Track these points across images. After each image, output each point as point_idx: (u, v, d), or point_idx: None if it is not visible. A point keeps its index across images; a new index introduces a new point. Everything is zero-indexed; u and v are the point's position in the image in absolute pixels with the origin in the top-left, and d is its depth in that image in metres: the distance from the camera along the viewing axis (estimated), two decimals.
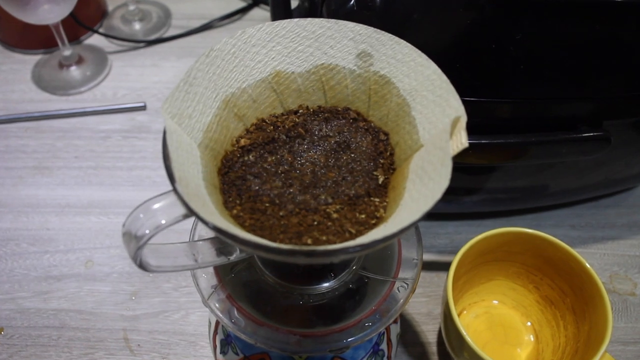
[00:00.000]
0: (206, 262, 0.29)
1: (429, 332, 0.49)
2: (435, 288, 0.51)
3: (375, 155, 0.29)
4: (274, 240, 0.25)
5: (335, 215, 0.26)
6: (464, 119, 0.25)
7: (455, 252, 0.42)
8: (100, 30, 0.75)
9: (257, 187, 0.28)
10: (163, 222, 0.24)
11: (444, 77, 0.27)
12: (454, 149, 0.24)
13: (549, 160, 0.45)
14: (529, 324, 0.47)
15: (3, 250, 0.53)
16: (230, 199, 0.27)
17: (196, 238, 0.34)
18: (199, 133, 0.27)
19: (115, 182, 0.59)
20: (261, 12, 0.80)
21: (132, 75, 0.70)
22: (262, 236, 0.25)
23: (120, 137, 0.63)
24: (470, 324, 0.48)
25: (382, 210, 0.27)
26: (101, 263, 0.53)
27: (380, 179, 0.28)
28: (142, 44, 0.74)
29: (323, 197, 0.27)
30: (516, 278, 0.48)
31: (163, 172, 0.60)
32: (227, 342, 0.40)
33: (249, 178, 0.28)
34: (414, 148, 0.28)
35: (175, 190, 0.23)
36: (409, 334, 0.48)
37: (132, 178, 0.60)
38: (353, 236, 0.25)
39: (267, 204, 0.27)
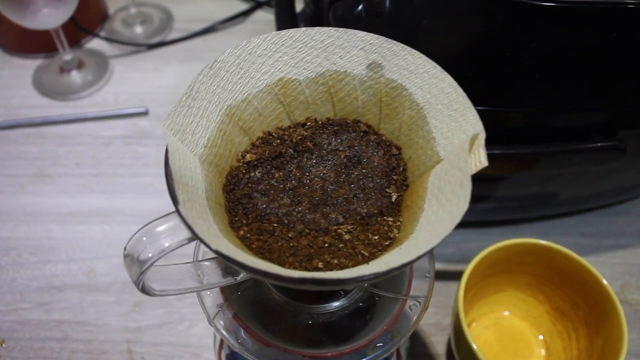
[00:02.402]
0: (212, 284, 0.28)
1: (438, 343, 0.48)
2: (444, 298, 0.50)
3: (388, 171, 0.28)
4: (283, 264, 0.24)
5: (347, 237, 0.25)
6: (482, 136, 0.24)
7: (463, 261, 0.41)
8: (101, 34, 0.74)
9: (264, 206, 0.27)
10: (167, 245, 0.23)
11: (460, 91, 0.26)
12: (472, 168, 0.23)
13: (562, 171, 0.44)
14: (540, 336, 0.46)
15: (4, 260, 0.52)
16: (237, 219, 0.26)
17: (201, 255, 0.33)
18: (203, 149, 0.26)
19: (117, 189, 0.58)
20: (264, 15, 0.78)
21: (133, 80, 0.69)
22: (270, 259, 0.24)
23: (122, 143, 0.62)
24: (480, 336, 0.47)
25: (395, 231, 0.26)
26: (104, 273, 0.52)
27: (394, 197, 0.27)
28: (143, 48, 0.73)
29: (334, 215, 0.26)
30: (526, 289, 0.47)
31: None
32: (233, 357, 0.39)
33: (256, 196, 0.27)
34: (428, 164, 0.27)
35: (178, 212, 0.22)
36: (418, 346, 0.47)
37: (134, 185, 0.59)
38: (366, 259, 0.24)
39: (275, 224, 0.26)
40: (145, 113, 0.65)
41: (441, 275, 0.52)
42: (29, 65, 0.70)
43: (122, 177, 0.59)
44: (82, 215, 0.56)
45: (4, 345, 0.47)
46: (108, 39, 0.73)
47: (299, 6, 0.55)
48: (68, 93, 0.67)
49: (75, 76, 0.68)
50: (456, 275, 0.51)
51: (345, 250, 0.25)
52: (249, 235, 0.25)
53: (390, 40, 0.28)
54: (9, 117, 0.64)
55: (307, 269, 0.24)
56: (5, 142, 0.62)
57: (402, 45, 0.28)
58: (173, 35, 0.75)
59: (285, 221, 0.26)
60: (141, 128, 0.64)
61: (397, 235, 0.26)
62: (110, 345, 0.47)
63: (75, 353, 0.47)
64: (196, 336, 0.48)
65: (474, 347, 0.38)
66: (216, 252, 0.21)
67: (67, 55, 0.67)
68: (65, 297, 0.50)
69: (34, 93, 0.67)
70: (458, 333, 0.40)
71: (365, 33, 0.29)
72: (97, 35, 0.73)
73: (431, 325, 0.49)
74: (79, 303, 0.50)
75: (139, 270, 0.23)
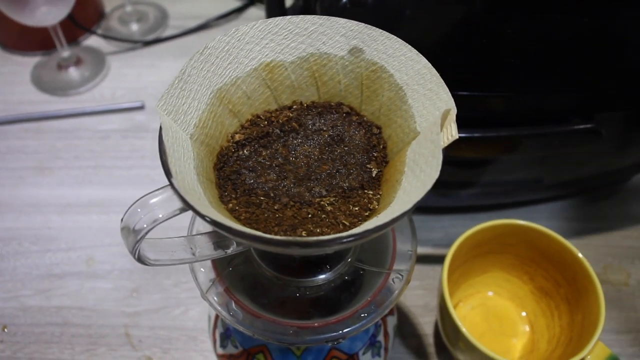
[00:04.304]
0: (204, 256, 0.30)
1: (426, 324, 0.49)
2: (432, 281, 0.52)
3: (369, 149, 0.30)
4: (269, 233, 0.26)
5: (329, 208, 0.27)
6: (453, 112, 0.25)
7: (450, 245, 0.43)
8: (98, 31, 0.76)
9: (251, 181, 0.28)
10: (160, 216, 0.25)
11: (434, 71, 0.28)
12: (444, 141, 0.25)
13: (541, 153, 0.46)
14: (524, 314, 0.48)
15: (5, 250, 0.54)
16: (226, 193, 0.28)
17: (194, 232, 0.34)
18: (195, 129, 0.28)
19: (115, 181, 0.60)
20: (257, 12, 0.80)
21: (130, 76, 0.71)
22: (257, 229, 0.26)
23: (119, 137, 0.64)
24: (466, 316, 0.48)
25: (375, 203, 0.27)
26: (102, 261, 0.53)
27: (374, 172, 0.29)
28: (139, 45, 0.75)
29: (317, 189, 0.28)
30: (511, 269, 0.48)
31: (162, 171, 0.60)
32: (226, 335, 0.41)
33: (244, 172, 0.29)
34: (406, 141, 0.28)
35: (171, 184, 0.24)
36: (406, 326, 0.49)
37: (131, 177, 0.60)
38: (347, 228, 0.26)
39: (262, 197, 0.27)
40: (141, 107, 0.67)
41: (429, 259, 0.53)
42: (27, 62, 0.72)
43: (120, 169, 0.61)
44: (81, 205, 0.58)
45: (6, 330, 0.49)
46: (105, 36, 0.75)
47: (288, 2, 0.56)
48: (66, 89, 0.68)
49: (73, 72, 0.70)
50: (443, 259, 0.52)
51: (327, 220, 0.26)
52: (237, 207, 0.27)
53: (370, 26, 0.30)
54: (9, 112, 0.66)
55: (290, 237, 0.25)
56: (5, 137, 0.64)
57: (381, 30, 0.30)
58: (168, 32, 0.77)
59: (272, 194, 0.28)
60: (138, 122, 0.66)
61: (377, 206, 0.27)
62: (108, 329, 0.49)
63: (75, 337, 0.48)
64: (192, 320, 0.49)
65: (459, 323, 0.40)
66: (207, 218, 0.23)
67: (65, 52, 0.69)
68: (65, 284, 0.52)
69: (32, 89, 0.69)
70: (443, 311, 0.42)
71: (346, 20, 0.30)
72: (94, 33, 0.75)
73: (419, 307, 0.50)
74: (78, 289, 0.51)
75: (134, 239, 0.25)
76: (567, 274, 0.44)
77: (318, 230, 0.26)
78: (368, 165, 0.29)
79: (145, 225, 0.25)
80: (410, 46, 0.29)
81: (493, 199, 0.55)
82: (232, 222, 0.23)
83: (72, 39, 0.74)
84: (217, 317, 0.43)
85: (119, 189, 0.59)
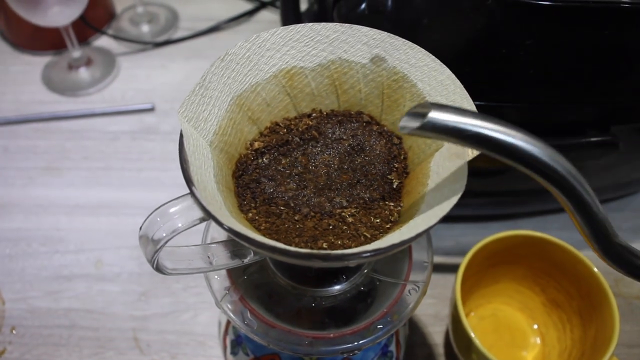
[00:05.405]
0: (220, 265, 0.29)
1: (436, 333, 0.49)
2: (442, 290, 0.51)
3: (389, 159, 0.29)
4: (290, 244, 0.25)
5: (350, 219, 0.27)
6: None
7: (461, 255, 0.43)
8: (109, 32, 0.76)
9: (271, 190, 0.28)
10: (180, 225, 0.25)
11: (458, 83, 0.27)
12: (469, 154, 0.24)
13: None
14: (535, 326, 0.48)
15: (14, 250, 0.54)
16: (245, 202, 0.28)
17: (209, 239, 0.34)
18: (214, 136, 0.28)
19: (124, 183, 0.60)
20: (268, 15, 0.80)
21: (140, 77, 0.71)
22: (277, 240, 0.25)
23: (129, 138, 0.64)
24: (477, 326, 0.48)
25: (396, 215, 0.27)
26: (111, 263, 0.53)
27: (395, 183, 0.28)
28: (150, 46, 0.75)
29: (338, 199, 0.28)
30: (522, 280, 0.48)
31: (171, 174, 0.61)
32: (237, 342, 0.40)
33: (263, 181, 0.28)
34: (428, 152, 0.28)
35: (192, 194, 0.24)
36: (417, 336, 0.49)
37: (140, 179, 0.60)
38: (368, 240, 0.26)
39: (282, 207, 0.27)
40: (151, 109, 0.66)
41: (440, 268, 0.53)
42: (38, 62, 0.72)
43: (129, 171, 0.61)
44: (90, 207, 0.57)
45: (14, 332, 0.48)
46: (115, 37, 0.74)
47: (303, 6, 0.56)
48: (76, 89, 0.68)
49: (84, 73, 0.70)
50: (454, 268, 0.52)
51: (348, 232, 0.26)
52: (257, 217, 0.27)
53: (392, 35, 0.30)
54: (19, 112, 0.66)
55: (312, 249, 0.25)
56: (15, 136, 0.64)
57: (403, 40, 0.29)
58: (179, 34, 0.77)
59: (292, 204, 0.27)
60: (147, 123, 0.65)
61: (398, 218, 0.27)
62: (116, 332, 0.49)
63: (83, 340, 0.48)
64: (201, 325, 0.49)
65: (472, 335, 0.39)
66: (228, 228, 0.22)
67: (76, 53, 0.69)
68: (73, 286, 0.51)
69: (43, 89, 0.69)
70: (456, 322, 0.42)
71: (368, 28, 0.30)
72: (105, 33, 0.74)
73: (430, 316, 0.50)
74: (86, 292, 0.51)
75: (153, 249, 0.25)
76: (580, 287, 0.43)
77: (339, 242, 0.25)
78: (389, 176, 0.29)
79: (164, 235, 0.24)
80: (433, 56, 0.29)
81: (505, 208, 0.55)
82: (253, 233, 0.23)
83: (83, 39, 0.74)
84: (228, 323, 0.42)
85: (128, 191, 0.59)
